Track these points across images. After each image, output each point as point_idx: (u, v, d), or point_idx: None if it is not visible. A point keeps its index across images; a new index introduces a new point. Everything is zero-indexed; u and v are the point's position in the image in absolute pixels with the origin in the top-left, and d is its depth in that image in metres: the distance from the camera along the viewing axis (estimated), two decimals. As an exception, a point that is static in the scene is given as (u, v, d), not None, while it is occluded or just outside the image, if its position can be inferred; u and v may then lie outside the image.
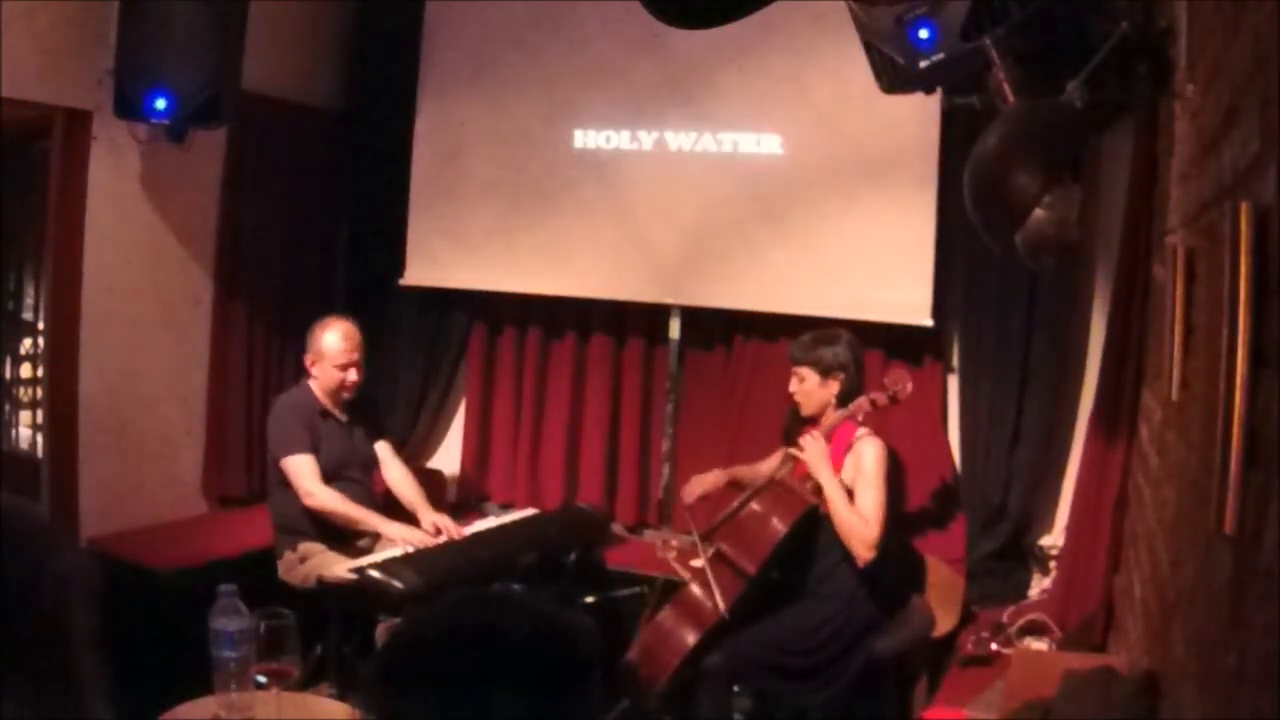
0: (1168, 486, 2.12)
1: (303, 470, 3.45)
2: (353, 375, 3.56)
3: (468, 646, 1.09)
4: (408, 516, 3.58)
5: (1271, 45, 1.20)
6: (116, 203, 3.95)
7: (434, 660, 1.10)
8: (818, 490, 3.18)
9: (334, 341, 3.55)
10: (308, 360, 3.60)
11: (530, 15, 4.37)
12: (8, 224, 4.49)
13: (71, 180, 3.84)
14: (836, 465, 3.21)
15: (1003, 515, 3.77)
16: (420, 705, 1.07)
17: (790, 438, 3.35)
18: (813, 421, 3.34)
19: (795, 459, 3.28)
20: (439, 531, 3.45)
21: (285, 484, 3.49)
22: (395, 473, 3.74)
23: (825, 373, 3.30)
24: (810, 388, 3.32)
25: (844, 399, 3.31)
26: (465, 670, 1.07)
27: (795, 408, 3.41)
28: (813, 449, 3.20)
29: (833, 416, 3.30)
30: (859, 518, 3.10)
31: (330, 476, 3.50)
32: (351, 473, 3.61)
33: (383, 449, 3.76)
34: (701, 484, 3.47)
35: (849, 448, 3.24)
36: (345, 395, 3.59)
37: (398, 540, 3.37)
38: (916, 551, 3.73)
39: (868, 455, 3.18)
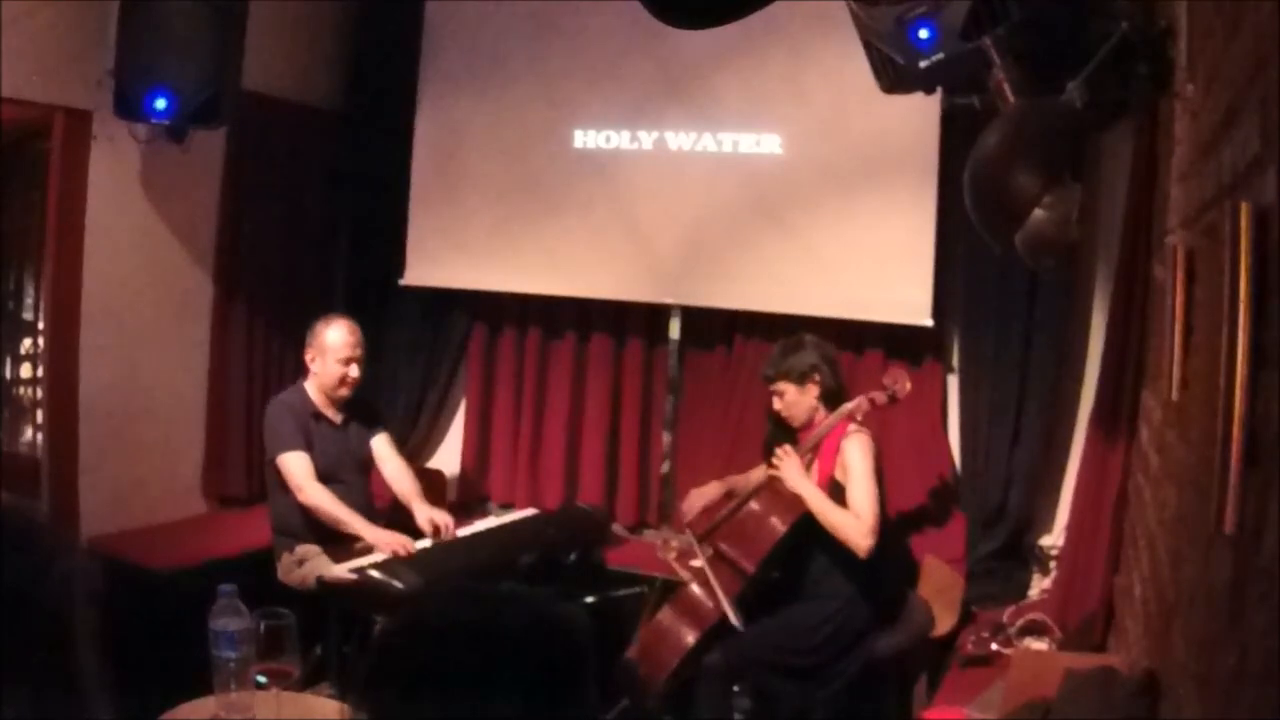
0: (1168, 486, 2.12)
1: (296, 467, 3.44)
2: (354, 371, 3.57)
3: (461, 641, 1.08)
4: (407, 511, 3.56)
5: (1271, 45, 1.20)
6: (116, 203, 3.96)
7: (427, 656, 1.09)
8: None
9: (337, 336, 3.55)
10: (308, 356, 3.60)
11: (530, 15, 4.37)
12: (8, 224, 4.49)
13: (71, 180, 3.84)
14: (830, 467, 3.21)
15: (1003, 515, 3.78)
16: (414, 701, 1.07)
17: (770, 452, 3.31)
18: (806, 429, 3.32)
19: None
20: (436, 529, 3.43)
21: (283, 486, 3.48)
22: (392, 468, 3.71)
23: (800, 379, 3.29)
24: (791, 398, 3.30)
25: (828, 398, 3.29)
26: (459, 665, 1.06)
27: (774, 421, 3.38)
28: (788, 465, 3.18)
29: (826, 420, 3.28)
30: (847, 513, 3.08)
31: (324, 479, 3.47)
32: (346, 475, 3.58)
33: (380, 444, 3.72)
34: (702, 498, 3.43)
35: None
36: (344, 392, 3.58)
37: (379, 545, 3.33)
38: (909, 549, 3.74)
39: (853, 451, 3.16)
